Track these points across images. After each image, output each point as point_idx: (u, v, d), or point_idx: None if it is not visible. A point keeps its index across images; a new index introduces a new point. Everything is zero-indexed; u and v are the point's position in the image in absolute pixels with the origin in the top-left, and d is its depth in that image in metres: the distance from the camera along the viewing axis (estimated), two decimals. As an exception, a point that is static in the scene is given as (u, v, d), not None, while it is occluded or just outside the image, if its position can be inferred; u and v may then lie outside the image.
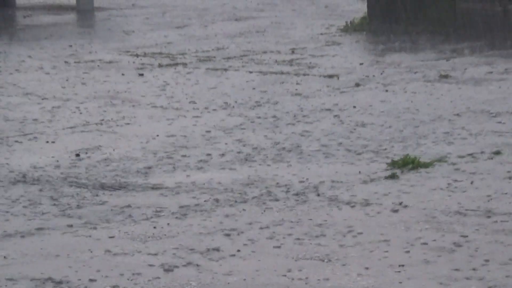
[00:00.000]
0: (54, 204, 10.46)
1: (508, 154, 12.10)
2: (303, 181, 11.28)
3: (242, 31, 20.45)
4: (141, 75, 16.95)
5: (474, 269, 7.90)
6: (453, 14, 19.81)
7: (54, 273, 8.05)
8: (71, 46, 19.76)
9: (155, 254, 8.60)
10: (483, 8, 19.40)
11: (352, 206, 10.18)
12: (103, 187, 11.17)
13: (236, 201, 10.45)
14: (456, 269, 7.89)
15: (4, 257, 8.59)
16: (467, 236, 8.99)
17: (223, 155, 12.50)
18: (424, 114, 14.19)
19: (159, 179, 11.44)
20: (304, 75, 16.42)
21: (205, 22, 21.23)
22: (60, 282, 7.88)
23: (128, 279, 7.86)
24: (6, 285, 7.79)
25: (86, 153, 12.66)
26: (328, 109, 14.50)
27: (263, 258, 8.50)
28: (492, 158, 12.05)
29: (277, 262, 8.36)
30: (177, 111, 14.93)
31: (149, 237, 9.16)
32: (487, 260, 8.24)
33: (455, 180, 10.99)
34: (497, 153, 12.29)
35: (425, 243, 8.74)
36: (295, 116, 14.08)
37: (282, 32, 20.14)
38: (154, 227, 9.41)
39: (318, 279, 7.77)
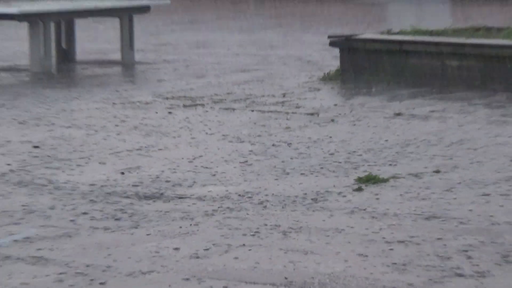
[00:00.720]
0: (105, 210, 10.52)
1: (444, 172, 12.28)
2: (291, 191, 11.37)
3: (246, 80, 20.63)
4: (170, 113, 17.11)
5: (417, 258, 8.10)
6: (405, 68, 20.39)
7: (104, 261, 8.20)
8: (117, 91, 19.98)
9: (181, 247, 8.75)
10: (428, 63, 19.94)
11: (325, 209, 10.33)
12: (142, 197, 11.22)
13: (243, 208, 10.44)
14: (406, 256, 8.15)
15: (60, 248, 8.74)
16: (413, 236, 9.02)
17: (233, 172, 12.58)
18: (382, 142, 14.22)
19: (184, 191, 11.51)
20: (293, 113, 16.77)
21: (218, 73, 21.47)
22: (109, 266, 8.07)
23: (162, 266, 8.08)
24: (67, 271, 7.95)
25: (129, 171, 12.80)
26: (310, 139, 14.61)
27: (261, 249, 8.70)
28: (433, 176, 12.17)
29: (272, 252, 8.58)
30: (197, 140, 14.87)
31: (176, 234, 9.27)
32: (428, 255, 8.40)
33: (406, 192, 11.17)
34: (437, 171, 12.44)
35: (383, 237, 8.93)
36: (287, 144, 14.22)
37: (276, 81, 20.45)
38: (180, 227, 9.54)
39: (305, 267, 8.03)
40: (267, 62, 22.62)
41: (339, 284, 7.17)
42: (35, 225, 9.76)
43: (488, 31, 21.28)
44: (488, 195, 10.85)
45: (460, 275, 7.58)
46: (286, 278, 7.20)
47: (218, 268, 7.74)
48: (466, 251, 8.32)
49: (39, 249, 8.51)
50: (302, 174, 12.33)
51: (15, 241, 8.95)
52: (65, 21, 22.94)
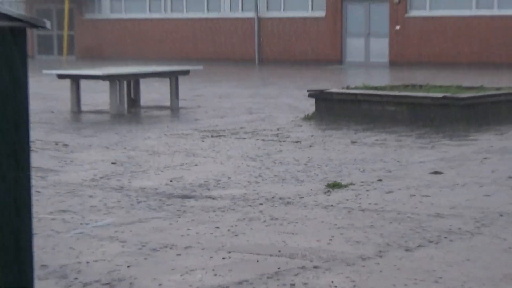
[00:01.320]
0: (159, 205, 10.69)
1: (385, 181, 12.13)
2: (284, 193, 11.41)
3: (252, 119, 20.53)
4: (202, 141, 16.98)
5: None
6: (358, 112, 20.20)
7: (158, 239, 8.78)
8: (168, 126, 19.97)
9: (209, 231, 9.17)
10: (374, 108, 20.23)
11: (304, 206, 10.53)
12: (184, 197, 11.28)
13: (251, 204, 10.60)
14: (360, 235, 8.47)
15: (130, 230, 9.40)
16: (364, 223, 9.42)
17: (244, 179, 12.51)
18: (343, 160, 14.18)
19: (212, 193, 11.56)
20: (283, 141, 16.75)
21: (234, 115, 21.42)
22: (161, 243, 8.59)
23: (197, 242, 8.67)
24: (135, 245, 8.55)
25: (176, 180, 12.70)
26: (295, 158, 14.57)
27: (263, 232, 9.23)
28: (377, 183, 12.07)
29: (270, 234, 9.05)
30: (220, 159, 14.90)
31: (206, 221, 9.61)
32: (375, 234, 8.97)
33: (358, 194, 11.21)
34: (380, 180, 12.31)
35: (343, 224, 9.35)
36: (280, 162, 14.16)
37: (273, 120, 20.34)
38: (209, 216, 9.85)
39: (293, 243, 8.69)
40: (267, 107, 22.90)
41: (314, 254, 7.79)
42: (112, 215, 10.10)
43: (413, 87, 21.48)
44: (414, 196, 11.02)
45: (398, 248, 8.14)
46: (279, 251, 7.99)
47: (235, 244, 8.39)
48: (399, 232, 8.85)
49: (115, 231, 9.07)
50: (290, 182, 12.36)
51: (99, 226, 9.44)
52: (134, 80, 23.59)
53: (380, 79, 28.16)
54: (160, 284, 6.88)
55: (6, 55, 5.36)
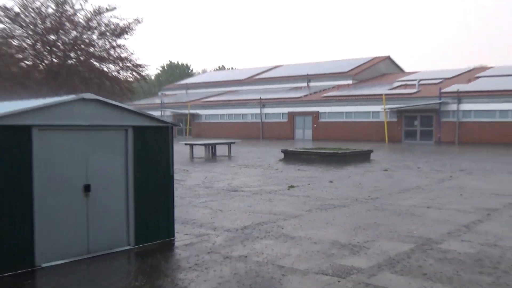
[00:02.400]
0: (220, 194, 10.84)
1: (311, 186, 12.13)
2: (272, 188, 11.34)
3: (259, 160, 20.31)
4: (240, 168, 16.42)
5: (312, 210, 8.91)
6: (303, 159, 19.14)
7: (222, 207, 9.42)
8: (226, 163, 19.19)
9: (241, 204, 9.69)
10: (308, 157, 19.46)
11: (275, 193, 10.71)
12: (232, 190, 11.26)
13: (258, 193, 10.80)
14: (297, 202, 8.88)
15: (212, 203, 9.71)
16: (310, 210, 9.86)
17: (254, 184, 12.36)
18: (294, 177, 13.88)
19: (243, 189, 11.42)
20: (271, 169, 16.33)
21: (251, 158, 21.28)
22: (225, 210, 9.14)
23: (237, 208, 9.19)
24: (213, 209, 9.05)
25: (229, 184, 12.53)
26: (275, 175, 14.20)
27: (264, 205, 9.40)
28: (307, 186, 11.99)
29: (267, 206, 9.58)
30: (243, 176, 14.41)
31: (240, 201, 10.01)
32: (304, 202, 9.21)
33: (300, 190, 11.20)
34: (309, 184, 12.27)
35: (299, 202, 9.79)
36: (269, 177, 13.92)
37: (265, 161, 19.62)
38: (241, 198, 10.18)
39: (274, 209, 8.82)
40: (264, 155, 22.19)
41: (282, 213, 8.57)
42: (205, 198, 10.25)
43: (321, 148, 20.86)
44: (322, 191, 11.14)
45: (315, 211, 8.86)
46: (270, 213, 8.64)
47: (252, 210, 9.00)
48: (315, 204, 9.46)
49: (206, 204, 9.60)
50: (274, 185, 12.28)
51: (200, 202, 9.79)
52: (213, 145, 21.55)
53: (308, 145, 27.26)
54: (223, 225, 7.69)
55: (166, 136, 6.42)
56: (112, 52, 23.03)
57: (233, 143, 24.19)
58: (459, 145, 29.95)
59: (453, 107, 32.23)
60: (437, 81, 38.29)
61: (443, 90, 33.35)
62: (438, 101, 32.63)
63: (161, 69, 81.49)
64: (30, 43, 21.81)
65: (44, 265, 5.16)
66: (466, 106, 31.74)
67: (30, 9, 21.20)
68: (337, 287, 4.50)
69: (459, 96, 31.98)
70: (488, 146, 26.91)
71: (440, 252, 5.80)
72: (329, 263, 5.33)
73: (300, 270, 5.09)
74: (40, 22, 21.48)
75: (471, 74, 40.17)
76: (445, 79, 38.78)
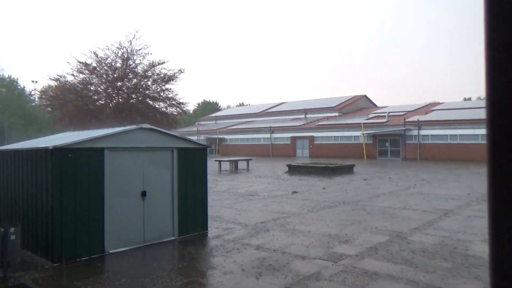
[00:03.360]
0: (239, 198, 10.48)
1: (309, 190, 11.75)
2: (279, 193, 10.92)
3: (270, 172, 19.09)
4: (256, 178, 15.77)
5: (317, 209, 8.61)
6: (306, 170, 18.24)
7: (245, 208, 9.12)
8: (246, 174, 18.22)
9: (258, 205, 9.27)
10: (306, 169, 18.64)
11: (282, 197, 10.34)
12: (250, 195, 10.93)
13: (270, 196, 10.46)
14: (299, 203, 8.52)
15: (236, 205, 9.33)
16: (308, 210, 9.27)
17: (266, 189, 11.94)
18: (296, 185, 13.16)
19: (259, 194, 11.09)
20: (278, 179, 15.56)
21: (264, 171, 19.76)
22: (246, 210, 8.73)
23: (255, 208, 8.81)
24: (237, 210, 8.77)
25: (248, 190, 12.11)
26: (282, 183, 13.57)
27: (275, 205, 9.03)
28: (307, 192, 11.59)
29: (277, 207, 9.14)
30: (259, 183, 13.66)
31: (257, 202, 9.67)
32: (304, 204, 8.87)
33: (302, 194, 10.79)
34: (308, 190, 11.90)
35: (302, 204, 9.44)
36: (278, 185, 13.26)
37: (275, 172, 18.28)
38: (259, 201, 9.85)
39: (283, 209, 8.49)
40: (274, 168, 21.06)
41: (289, 212, 8.31)
42: (230, 201, 9.93)
43: (317, 163, 20.06)
44: (318, 195, 10.80)
45: (312, 210, 8.53)
46: (279, 212, 8.42)
47: (266, 209, 8.73)
48: (312, 205, 9.11)
49: (231, 205, 9.33)
50: (281, 191, 11.82)
51: (227, 204, 9.50)
52: (235, 161, 20.75)
53: (306, 161, 26.72)
54: (244, 221, 7.50)
55: (202, 154, 6.40)
56: (162, 93, 23.67)
57: (250, 159, 23.94)
58: (420, 161, 29.60)
59: (415, 132, 32.36)
60: (402, 113, 38.24)
61: (407, 120, 33.53)
62: (403, 128, 32.69)
63: (197, 105, 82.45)
64: (103, 88, 22.88)
65: (111, 251, 5.17)
66: (424, 132, 31.87)
67: (104, 64, 22.52)
68: (331, 270, 4.38)
69: (419, 124, 32.29)
70: (442, 162, 26.56)
71: (410, 242, 5.62)
72: (324, 250, 5.20)
73: (301, 255, 4.97)
74: (110, 73, 22.63)
75: (427, 108, 40.16)
76: (408, 111, 38.77)
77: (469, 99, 62.37)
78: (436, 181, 14.55)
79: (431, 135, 31.41)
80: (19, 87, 40.72)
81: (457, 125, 30.37)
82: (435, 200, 9.74)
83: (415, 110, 39.64)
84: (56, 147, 4.68)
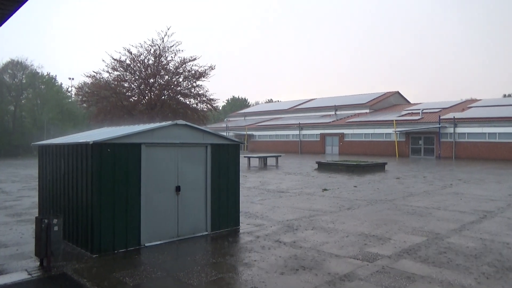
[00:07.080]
0: (269, 194, 10.45)
1: (340, 188, 11.57)
2: (309, 191, 10.85)
3: (299, 169, 18.71)
4: (285, 175, 15.65)
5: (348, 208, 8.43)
6: (335, 168, 17.94)
7: (275, 204, 9.00)
8: (275, 171, 17.95)
9: (287, 201, 9.22)
10: (337, 168, 18.02)
11: (312, 194, 10.23)
12: (280, 192, 10.86)
13: (299, 194, 10.38)
14: (330, 201, 8.47)
15: (266, 201, 9.26)
16: (340, 208, 9.20)
17: (296, 187, 11.87)
18: (328, 182, 13.08)
19: (289, 191, 10.98)
20: (308, 176, 15.48)
21: (293, 168, 19.65)
22: (277, 206, 8.57)
23: (285, 205, 8.66)
24: (268, 206, 8.59)
25: (277, 187, 12.15)
26: (311, 181, 13.46)
27: (304, 201, 8.93)
28: (337, 190, 11.43)
29: (304, 203, 9.11)
30: (288, 181, 13.67)
31: (286, 199, 9.58)
32: (337, 202, 8.72)
33: (332, 192, 10.70)
34: (338, 188, 11.79)
35: (331, 201, 9.36)
36: (307, 182, 13.23)
37: (304, 169, 18.35)
38: (287, 198, 9.74)
39: (311, 206, 8.41)
40: (303, 166, 20.71)
41: (320, 209, 8.18)
42: (260, 197, 9.97)
43: (346, 161, 19.56)
44: (349, 193, 10.59)
45: (345, 209, 8.43)
46: (310, 209, 8.28)
47: (296, 206, 8.62)
48: (344, 203, 9.03)
49: (261, 202, 9.29)
50: (311, 188, 11.76)
51: (257, 200, 9.51)
52: (264, 157, 20.82)
53: (336, 159, 26.60)
54: (275, 218, 7.46)
55: (234, 150, 6.34)
56: (193, 90, 24.10)
57: (279, 156, 23.81)
58: (456, 160, 28.47)
59: (450, 130, 31.10)
60: (436, 110, 36.80)
61: (442, 117, 32.21)
62: (438, 126, 31.53)
63: (226, 101, 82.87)
64: (136, 84, 23.55)
65: (147, 244, 5.24)
66: (461, 130, 30.59)
67: (137, 61, 23.18)
68: (366, 270, 4.27)
69: (455, 122, 30.97)
70: (479, 161, 25.62)
71: (449, 244, 5.40)
72: (358, 250, 5.08)
73: (336, 254, 4.88)
74: (143, 70, 23.30)
75: (463, 104, 38.52)
76: (443, 108, 37.36)
77: (510, 95, 59.53)
78: (473, 181, 14.04)
79: (468, 133, 30.24)
80: (57, 84, 42.12)
81: (497, 122, 29.10)
82: (473, 201, 9.40)
83: (451, 107, 38.17)
84: (96, 142, 4.77)
